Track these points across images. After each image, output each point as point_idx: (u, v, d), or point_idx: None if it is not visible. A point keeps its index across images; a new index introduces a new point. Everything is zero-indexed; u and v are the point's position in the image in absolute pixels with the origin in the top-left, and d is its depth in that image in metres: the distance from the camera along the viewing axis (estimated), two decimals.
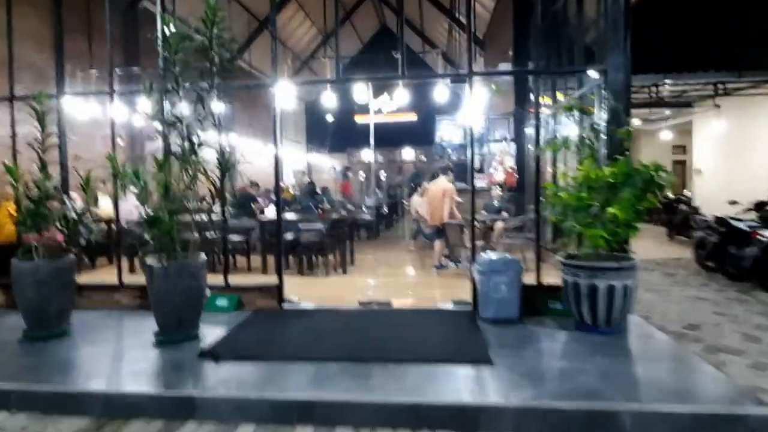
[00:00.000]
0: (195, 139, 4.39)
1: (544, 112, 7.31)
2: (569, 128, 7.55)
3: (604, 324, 4.02)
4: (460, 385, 3.18)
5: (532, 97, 9.83)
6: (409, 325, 4.50)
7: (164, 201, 4.24)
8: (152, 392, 3.16)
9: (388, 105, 24.61)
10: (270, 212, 7.30)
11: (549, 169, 6.80)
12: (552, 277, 5.05)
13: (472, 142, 5.36)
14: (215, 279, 5.32)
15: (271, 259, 7.05)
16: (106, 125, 6.23)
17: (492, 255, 4.77)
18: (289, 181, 20.15)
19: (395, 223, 15.22)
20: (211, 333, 4.29)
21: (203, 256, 4.37)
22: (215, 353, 3.74)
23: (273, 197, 9.52)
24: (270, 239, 7.09)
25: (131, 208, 9.41)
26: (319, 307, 5.15)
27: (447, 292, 5.63)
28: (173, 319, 4.13)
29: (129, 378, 3.41)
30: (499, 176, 9.71)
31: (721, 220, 7.34)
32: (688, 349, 3.99)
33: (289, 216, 7.82)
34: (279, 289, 5.22)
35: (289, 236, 7.22)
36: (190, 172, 4.33)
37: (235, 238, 7.38)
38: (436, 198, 6.91)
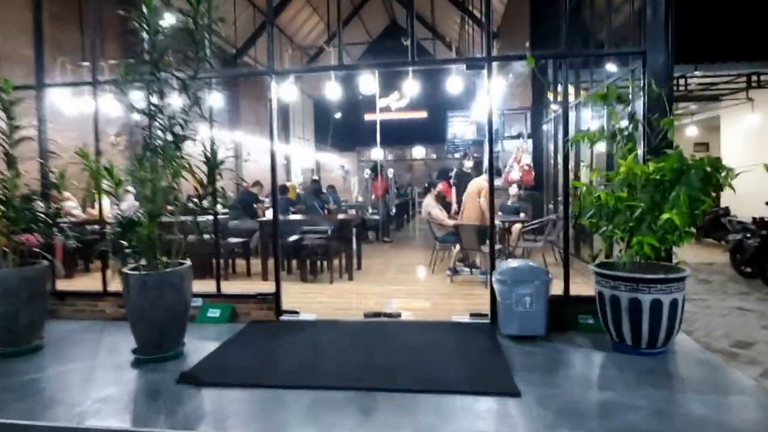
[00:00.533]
0: (179, 132, 3.88)
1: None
2: (592, 122, 6.99)
3: (648, 344, 3.46)
4: (482, 425, 2.64)
5: (550, 95, 9.29)
6: (420, 343, 3.97)
7: (143, 201, 3.76)
8: (115, 428, 2.67)
9: (397, 102, 24.09)
10: (271, 213, 6.82)
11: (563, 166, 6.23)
12: (578, 285, 4.49)
13: (491, 136, 4.80)
14: (208, 286, 4.85)
15: (272, 264, 6.58)
16: (106, 120, 5.80)
17: (514, 262, 4.22)
18: (297, 179, 19.72)
19: (405, 223, 14.69)
20: (198, 349, 3.81)
21: (188, 264, 3.88)
22: (197, 377, 3.25)
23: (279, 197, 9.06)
24: (271, 242, 6.61)
25: (131, 209, 9.05)
26: (320, 320, 4.64)
27: (463, 303, 5.09)
28: (153, 336, 3.64)
29: (93, 408, 2.92)
30: (516, 174, 9.12)
31: (762, 222, 6.70)
32: (748, 376, 3.41)
33: (292, 217, 7.32)
34: (276, 298, 4.73)
35: (291, 239, 6.74)
36: (173, 168, 3.84)
37: (233, 240, 6.91)
38: (470, 197, 6.35)
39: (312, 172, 23.39)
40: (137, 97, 3.91)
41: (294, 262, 6.87)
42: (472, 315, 4.50)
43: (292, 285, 6.22)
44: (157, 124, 3.80)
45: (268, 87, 5.13)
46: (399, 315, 4.62)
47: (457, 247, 6.43)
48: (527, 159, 9.24)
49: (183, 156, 3.86)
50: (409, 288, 6.03)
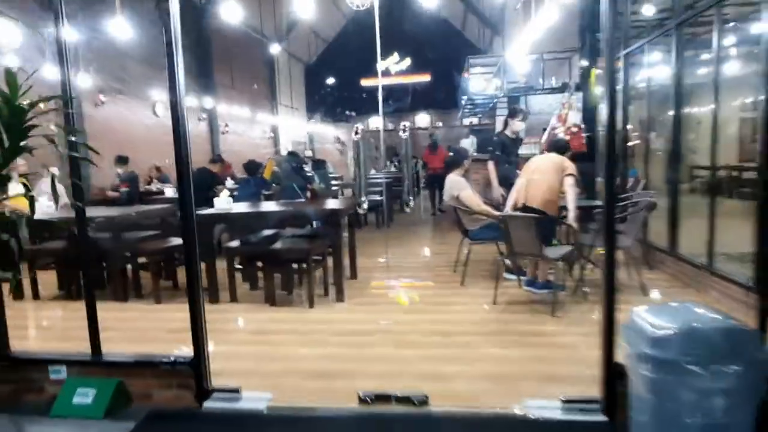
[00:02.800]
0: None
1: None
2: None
3: None
4: None
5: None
6: None
7: None
8: None
9: (397, 65, 21.58)
10: (221, 201, 4.60)
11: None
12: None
13: (611, 71, 2.54)
14: (80, 342, 2.71)
15: (226, 274, 4.42)
16: None
17: (671, 309, 2.03)
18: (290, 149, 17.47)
19: (409, 201, 12.44)
20: None
21: None
22: None
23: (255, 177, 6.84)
24: (215, 245, 4.45)
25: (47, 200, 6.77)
26: (277, 410, 2.50)
27: (526, 354, 2.96)
28: None
29: None
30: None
31: None
32: None
33: (241, 208, 5.00)
34: (196, 370, 2.57)
35: (253, 239, 4.56)
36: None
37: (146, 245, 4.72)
38: (540, 173, 4.10)
39: (304, 146, 21.06)
40: None
41: (257, 275, 4.71)
42: (568, 403, 2.35)
43: (255, 310, 4.09)
44: None
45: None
46: (425, 401, 2.47)
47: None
48: (575, 118, 6.99)
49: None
50: (431, 320, 3.86)
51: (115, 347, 2.77)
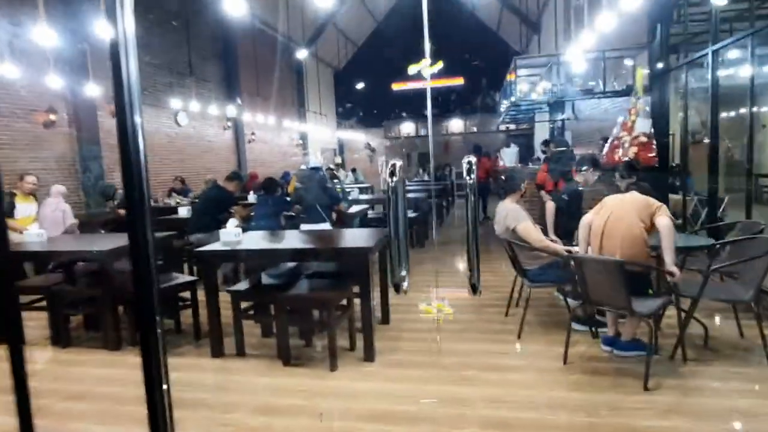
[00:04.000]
0: None
1: None
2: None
3: None
4: None
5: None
6: None
7: None
8: None
9: (429, 68, 20.80)
10: (228, 232, 3.85)
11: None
12: None
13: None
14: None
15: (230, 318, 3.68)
16: None
17: None
18: (315, 161, 16.86)
19: (445, 215, 11.52)
20: None
21: None
22: None
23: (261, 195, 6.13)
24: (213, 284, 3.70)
25: (57, 215, 6.23)
26: None
27: None
28: None
29: None
30: (627, 151, 5.89)
31: None
32: None
33: (253, 240, 4.23)
34: None
35: (263, 279, 3.81)
36: None
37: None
38: (626, 223, 3.14)
39: (333, 152, 20.46)
40: None
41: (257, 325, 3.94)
42: None
43: (264, 370, 3.31)
44: None
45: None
46: None
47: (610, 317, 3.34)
48: (643, 126, 5.97)
49: None
50: (483, 397, 3.00)
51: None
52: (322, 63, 19.24)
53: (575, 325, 3.64)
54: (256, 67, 13.70)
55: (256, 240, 4.04)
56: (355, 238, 4.09)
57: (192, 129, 11.04)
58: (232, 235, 3.75)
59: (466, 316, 4.31)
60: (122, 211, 7.25)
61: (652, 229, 3.10)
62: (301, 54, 15.19)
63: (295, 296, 3.44)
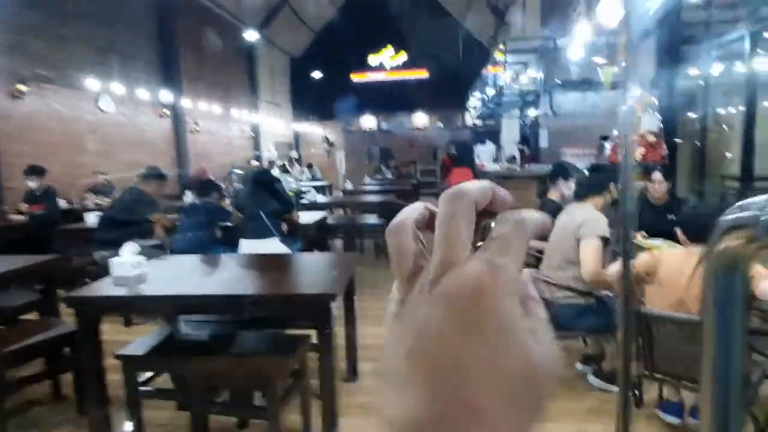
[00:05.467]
0: None
1: None
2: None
3: None
4: None
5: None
6: None
7: None
8: None
9: (392, 59, 19.66)
10: (122, 264, 2.61)
11: None
12: None
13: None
14: None
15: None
16: None
17: None
18: (269, 155, 15.46)
19: None
20: None
21: None
22: None
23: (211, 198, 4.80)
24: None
25: None
26: None
27: None
28: None
29: None
30: (636, 150, 5.04)
31: None
32: None
33: (171, 271, 2.98)
34: None
35: (174, 337, 2.62)
36: None
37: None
38: (685, 283, 2.09)
39: (289, 147, 19.04)
40: None
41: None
42: None
43: None
44: None
45: None
46: None
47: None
48: (651, 123, 5.14)
49: None
50: None
51: None
52: (278, 49, 17.77)
53: (593, 380, 2.67)
54: (200, 49, 12.16)
55: (167, 274, 2.82)
56: (315, 273, 2.94)
57: (121, 116, 9.46)
58: (127, 268, 2.52)
59: None
60: (16, 217, 5.76)
61: None
62: (251, 36, 13.74)
63: (221, 367, 2.27)
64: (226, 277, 2.79)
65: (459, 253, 0.23)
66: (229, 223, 4.57)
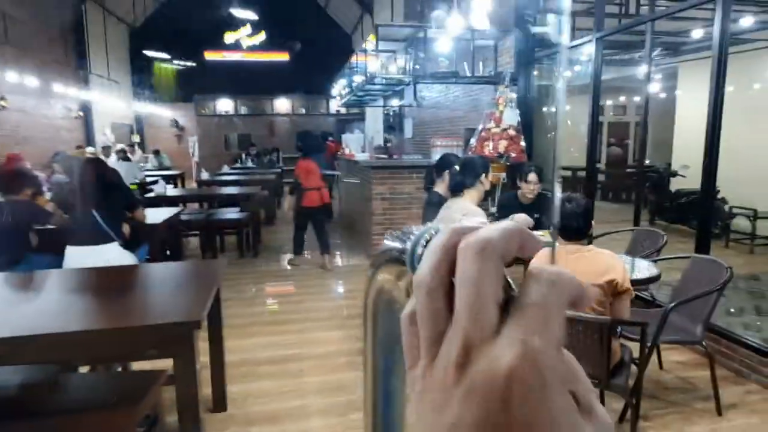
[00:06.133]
0: None
1: None
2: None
3: None
4: None
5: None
6: None
7: None
8: None
9: (250, 39, 18.44)
10: None
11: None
12: None
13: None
14: None
15: None
16: None
17: None
18: (104, 140, 13.36)
19: (278, 211, 9.85)
20: None
21: None
22: None
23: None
24: None
25: None
26: None
27: None
28: None
29: None
30: (498, 144, 5.26)
31: None
32: None
33: None
34: None
35: None
36: None
37: None
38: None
39: (130, 130, 16.76)
40: None
41: None
42: None
43: None
44: None
45: None
46: None
47: None
48: (511, 117, 5.42)
49: None
50: None
51: None
52: (113, 16, 15.39)
53: None
54: (3, 4, 9.87)
55: None
56: (171, 290, 2.38)
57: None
58: None
59: (335, 359, 3.00)
60: None
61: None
62: None
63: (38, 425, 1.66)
64: (44, 304, 2.10)
65: (485, 327, 0.19)
66: (50, 226, 3.64)
